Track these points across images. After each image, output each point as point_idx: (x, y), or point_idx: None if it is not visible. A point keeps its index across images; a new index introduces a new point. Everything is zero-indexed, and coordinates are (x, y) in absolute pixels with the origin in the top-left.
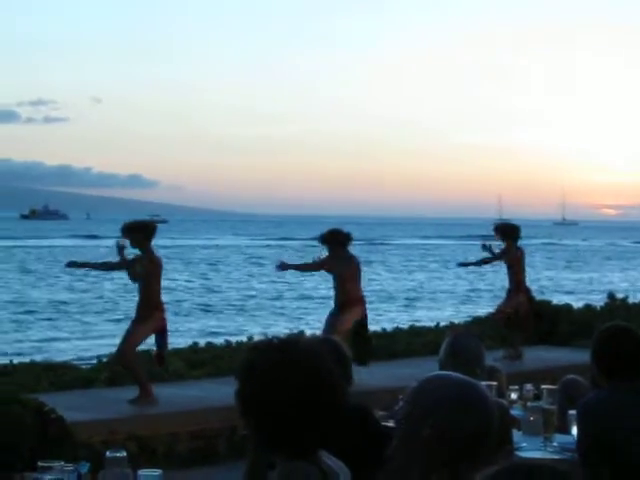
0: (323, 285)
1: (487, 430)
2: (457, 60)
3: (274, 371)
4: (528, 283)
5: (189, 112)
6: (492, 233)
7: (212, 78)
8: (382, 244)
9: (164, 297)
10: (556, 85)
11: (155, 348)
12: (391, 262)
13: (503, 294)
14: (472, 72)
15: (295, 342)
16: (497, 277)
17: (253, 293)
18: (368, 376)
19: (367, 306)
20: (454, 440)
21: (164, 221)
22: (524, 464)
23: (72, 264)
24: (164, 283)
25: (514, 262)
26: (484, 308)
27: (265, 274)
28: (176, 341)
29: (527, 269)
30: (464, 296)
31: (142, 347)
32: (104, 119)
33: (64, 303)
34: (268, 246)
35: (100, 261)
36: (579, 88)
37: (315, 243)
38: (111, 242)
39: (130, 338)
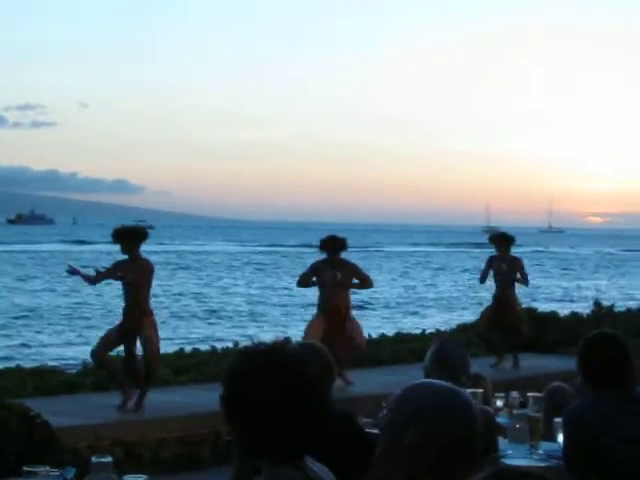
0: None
1: (470, 437)
2: (444, 62)
3: (260, 376)
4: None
5: (176, 117)
6: (481, 240)
7: (199, 82)
8: (376, 251)
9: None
10: (546, 92)
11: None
12: (384, 269)
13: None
14: (463, 77)
15: (281, 347)
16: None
17: (258, 299)
18: (353, 383)
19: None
20: (437, 447)
21: (150, 227)
22: (512, 471)
23: (74, 271)
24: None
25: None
26: (470, 315)
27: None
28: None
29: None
30: (450, 303)
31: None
32: (91, 124)
33: (51, 307)
34: (261, 252)
35: (93, 275)
36: (568, 97)
37: (306, 249)
38: (99, 247)
39: (103, 340)
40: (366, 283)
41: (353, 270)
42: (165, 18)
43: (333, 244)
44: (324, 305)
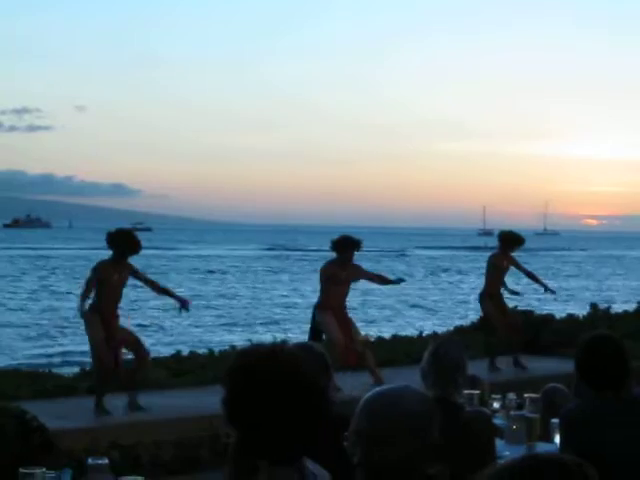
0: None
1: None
2: (440, 63)
3: (260, 377)
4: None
5: (173, 120)
6: (475, 244)
7: (196, 85)
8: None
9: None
10: (541, 94)
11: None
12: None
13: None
14: (462, 78)
15: (281, 348)
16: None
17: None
18: (350, 385)
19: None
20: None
21: (148, 229)
22: (549, 461)
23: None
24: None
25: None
26: (467, 318)
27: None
28: (160, 350)
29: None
30: (446, 306)
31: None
32: (87, 127)
33: (50, 310)
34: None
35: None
36: (564, 98)
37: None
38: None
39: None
40: (381, 279)
41: (361, 271)
42: (162, 21)
43: (345, 245)
44: (340, 305)
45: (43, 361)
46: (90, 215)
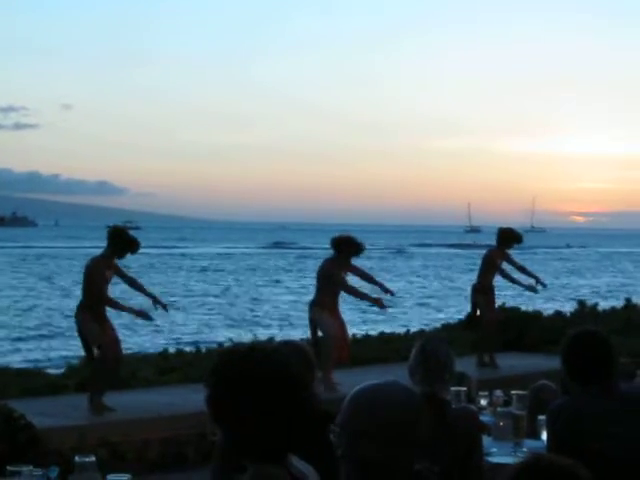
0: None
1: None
2: (435, 60)
3: (241, 375)
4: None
5: (158, 118)
6: (463, 241)
7: (182, 84)
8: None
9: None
10: (528, 92)
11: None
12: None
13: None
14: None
15: (263, 347)
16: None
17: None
18: (351, 381)
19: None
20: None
21: (137, 227)
22: (551, 465)
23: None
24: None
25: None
26: (454, 315)
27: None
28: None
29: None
30: (434, 302)
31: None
32: (73, 126)
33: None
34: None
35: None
36: (551, 95)
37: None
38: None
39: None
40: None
41: (359, 271)
42: (149, 21)
43: (347, 245)
44: (336, 303)
45: (30, 360)
46: (76, 213)
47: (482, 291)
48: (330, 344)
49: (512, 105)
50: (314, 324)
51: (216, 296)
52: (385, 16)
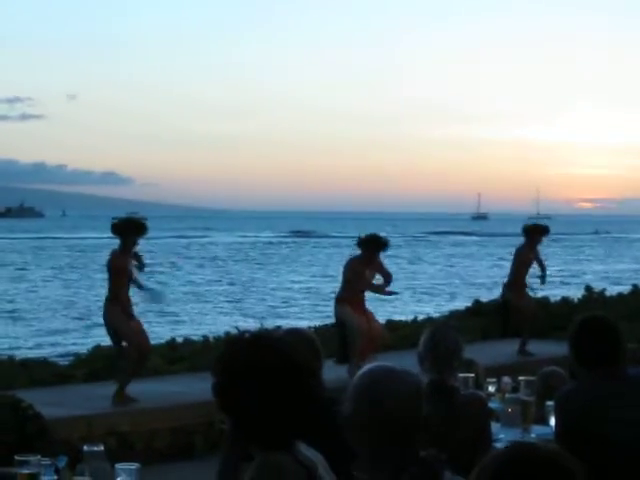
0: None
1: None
2: (432, 54)
3: (249, 363)
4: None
5: (163, 109)
6: (468, 230)
7: (186, 75)
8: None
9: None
10: (534, 79)
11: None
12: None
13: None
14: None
15: (269, 335)
16: (467, 271)
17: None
18: (344, 370)
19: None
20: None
21: (144, 218)
22: (532, 450)
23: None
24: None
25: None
26: (463, 302)
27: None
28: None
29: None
30: (442, 290)
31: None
32: (79, 116)
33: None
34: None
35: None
36: (556, 83)
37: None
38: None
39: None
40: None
41: (382, 269)
42: (152, 10)
43: (374, 245)
44: (362, 299)
45: (38, 350)
46: (83, 204)
47: (514, 287)
48: (356, 338)
49: (521, 93)
50: (340, 320)
51: (231, 284)
52: (385, 2)
